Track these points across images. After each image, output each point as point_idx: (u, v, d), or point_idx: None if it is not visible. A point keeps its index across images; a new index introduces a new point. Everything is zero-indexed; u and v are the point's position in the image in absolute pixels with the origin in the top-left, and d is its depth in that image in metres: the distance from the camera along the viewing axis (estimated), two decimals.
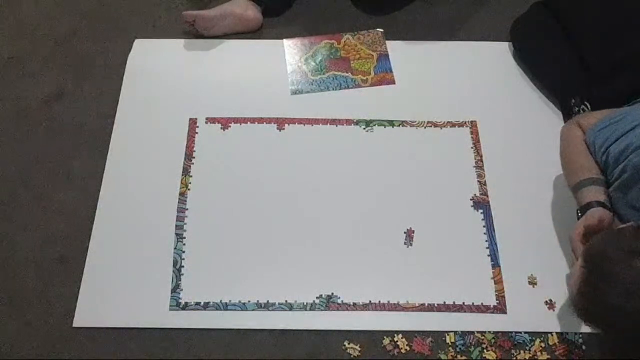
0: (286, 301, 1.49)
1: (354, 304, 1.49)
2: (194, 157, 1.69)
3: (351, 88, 1.83)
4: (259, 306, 1.49)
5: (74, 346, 1.44)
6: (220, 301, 1.49)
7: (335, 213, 1.61)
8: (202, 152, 1.70)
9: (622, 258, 1.11)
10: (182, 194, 1.63)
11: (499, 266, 1.54)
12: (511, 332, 1.46)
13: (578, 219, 1.41)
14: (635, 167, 1.27)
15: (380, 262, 1.55)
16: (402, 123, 1.76)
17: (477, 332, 1.46)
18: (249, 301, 1.49)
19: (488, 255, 1.56)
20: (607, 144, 1.34)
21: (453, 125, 1.76)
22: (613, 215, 1.38)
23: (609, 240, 1.17)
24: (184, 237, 1.57)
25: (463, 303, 1.50)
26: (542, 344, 1.45)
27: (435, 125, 1.76)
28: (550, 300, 1.49)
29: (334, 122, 1.76)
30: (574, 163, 1.47)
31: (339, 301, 1.49)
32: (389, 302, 1.50)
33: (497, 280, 1.53)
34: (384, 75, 1.85)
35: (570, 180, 1.47)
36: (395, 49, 1.90)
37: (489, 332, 1.46)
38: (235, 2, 1.91)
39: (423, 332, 1.46)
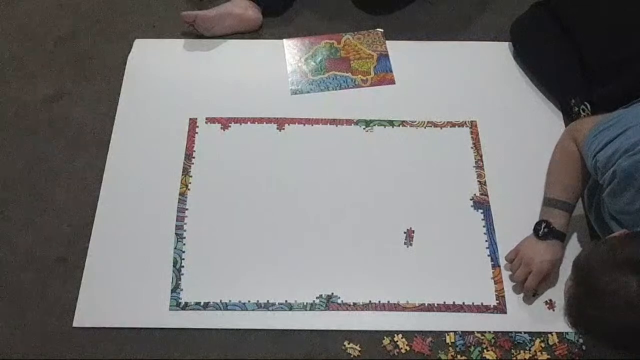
0: (286, 301, 1.49)
1: (354, 304, 1.49)
2: (194, 157, 1.69)
3: (351, 88, 1.83)
4: (259, 306, 1.48)
5: (74, 346, 1.43)
6: (220, 301, 1.49)
7: (335, 213, 1.61)
8: (202, 152, 1.70)
9: (607, 271, 1.10)
10: (182, 194, 1.63)
11: (499, 266, 1.54)
12: (511, 332, 1.46)
13: (537, 230, 1.47)
14: (625, 171, 1.26)
15: (380, 262, 1.55)
16: (402, 123, 1.76)
17: (477, 332, 1.46)
18: (249, 301, 1.49)
19: (488, 255, 1.56)
20: (596, 149, 1.34)
21: (453, 125, 1.76)
22: (563, 247, 1.48)
23: (596, 253, 1.16)
24: (184, 237, 1.57)
25: (463, 303, 1.50)
26: (542, 344, 1.45)
27: (435, 125, 1.76)
28: (550, 300, 1.49)
29: (334, 122, 1.76)
30: (556, 177, 1.50)
31: (339, 301, 1.49)
32: (389, 302, 1.50)
33: (497, 280, 1.53)
34: (384, 75, 1.85)
35: (546, 190, 1.51)
36: (395, 49, 1.91)
37: (489, 332, 1.46)
38: (235, 2, 1.91)
39: (423, 332, 1.46)
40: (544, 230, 1.46)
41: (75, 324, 1.45)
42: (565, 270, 1.46)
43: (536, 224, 1.48)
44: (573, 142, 1.47)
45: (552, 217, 1.47)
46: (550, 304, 1.49)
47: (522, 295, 1.50)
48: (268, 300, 1.49)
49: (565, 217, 1.47)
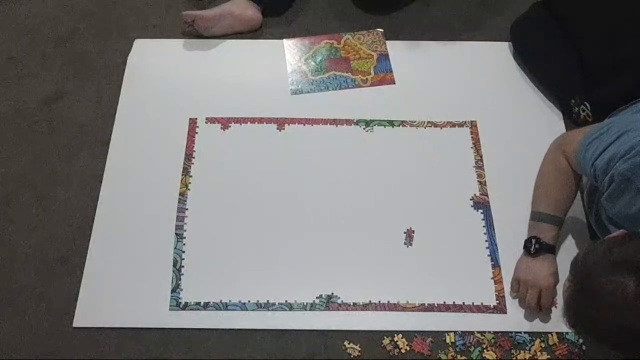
0: (286, 301, 1.49)
1: (354, 304, 1.49)
2: (194, 157, 1.69)
3: (351, 88, 1.83)
4: (259, 306, 1.49)
5: (74, 346, 1.44)
6: (220, 301, 1.49)
7: (335, 213, 1.61)
8: (202, 152, 1.70)
9: (604, 272, 1.11)
10: (182, 194, 1.63)
11: (499, 266, 1.54)
12: (511, 332, 1.46)
13: (527, 247, 1.46)
14: (622, 174, 1.26)
15: (380, 262, 1.55)
16: (402, 123, 1.76)
17: (477, 332, 1.46)
18: (249, 301, 1.49)
19: (488, 255, 1.56)
20: (594, 157, 1.34)
21: (453, 125, 1.76)
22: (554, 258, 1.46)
23: (593, 253, 1.16)
24: (184, 237, 1.57)
25: (463, 303, 1.50)
26: (542, 344, 1.45)
27: (435, 125, 1.76)
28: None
29: (334, 122, 1.76)
30: (545, 192, 1.49)
31: (339, 301, 1.49)
32: (389, 302, 1.50)
33: (497, 280, 1.53)
34: (384, 75, 1.85)
35: (534, 204, 1.51)
36: (395, 49, 1.91)
37: (489, 332, 1.46)
38: (234, 2, 1.91)
39: (423, 332, 1.46)
40: (535, 247, 1.45)
41: (75, 324, 1.45)
42: (564, 271, 1.46)
43: (526, 241, 1.48)
44: (562, 156, 1.46)
45: (541, 232, 1.46)
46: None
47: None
48: (268, 300, 1.49)
49: (555, 230, 1.46)
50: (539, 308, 1.46)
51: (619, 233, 1.23)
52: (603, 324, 1.10)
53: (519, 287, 1.48)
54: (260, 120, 1.75)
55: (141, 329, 1.45)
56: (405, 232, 1.59)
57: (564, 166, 1.46)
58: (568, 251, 1.52)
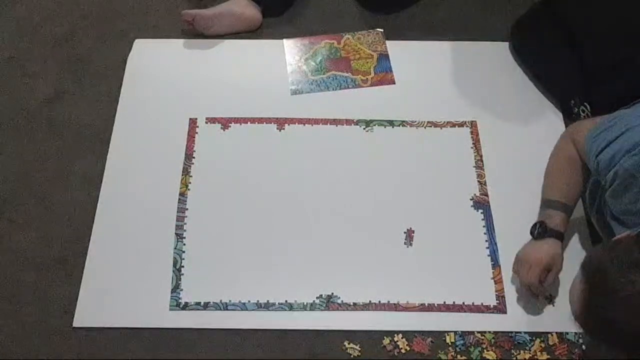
0: (286, 301, 1.49)
1: (354, 304, 1.49)
2: (194, 157, 1.69)
3: (351, 88, 1.83)
4: (259, 306, 1.48)
5: (74, 346, 1.43)
6: (220, 301, 1.49)
7: (335, 213, 1.61)
8: (202, 152, 1.70)
9: (620, 272, 1.09)
10: (182, 194, 1.63)
11: (499, 266, 1.54)
12: (511, 332, 1.46)
13: (532, 232, 1.46)
14: (627, 171, 1.26)
15: (380, 262, 1.55)
16: (402, 123, 1.76)
17: (477, 332, 1.46)
18: (249, 301, 1.49)
19: (488, 255, 1.56)
20: (598, 150, 1.34)
21: (453, 125, 1.76)
22: (561, 245, 1.44)
23: (607, 254, 1.15)
24: (184, 237, 1.57)
25: (463, 303, 1.50)
26: (542, 344, 1.44)
27: (435, 125, 1.76)
28: (551, 295, 1.48)
29: (334, 122, 1.76)
30: (553, 179, 1.49)
31: (339, 301, 1.49)
32: (389, 302, 1.50)
33: (497, 280, 1.53)
34: (384, 75, 1.85)
35: (543, 192, 1.50)
36: (395, 49, 1.91)
37: (489, 332, 1.46)
38: (234, 1, 1.91)
39: (423, 332, 1.46)
40: (538, 230, 1.45)
41: (75, 324, 1.45)
42: (566, 270, 1.46)
43: (532, 226, 1.48)
44: (572, 145, 1.46)
45: (547, 218, 1.46)
46: (550, 298, 1.48)
47: (522, 295, 1.50)
48: (268, 300, 1.49)
49: (561, 216, 1.45)
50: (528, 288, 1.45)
51: (629, 233, 1.21)
52: (628, 326, 1.08)
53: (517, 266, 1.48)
54: (260, 120, 1.75)
55: (141, 329, 1.45)
56: (405, 232, 1.59)
57: (573, 154, 1.46)
58: (568, 250, 1.52)
